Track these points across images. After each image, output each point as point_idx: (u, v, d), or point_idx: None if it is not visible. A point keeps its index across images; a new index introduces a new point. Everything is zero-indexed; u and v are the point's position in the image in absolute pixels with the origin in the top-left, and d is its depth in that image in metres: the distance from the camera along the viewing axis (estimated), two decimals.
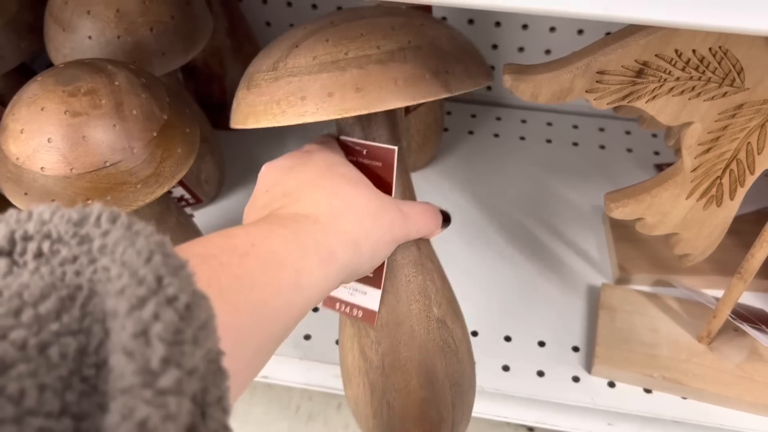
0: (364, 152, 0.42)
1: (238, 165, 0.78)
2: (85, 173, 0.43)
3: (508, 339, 0.61)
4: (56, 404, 0.17)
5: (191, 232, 0.59)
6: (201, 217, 0.72)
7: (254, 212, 0.37)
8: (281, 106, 0.38)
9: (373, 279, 0.42)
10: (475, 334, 0.61)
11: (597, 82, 0.39)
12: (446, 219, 0.45)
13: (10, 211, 0.21)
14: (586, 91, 0.40)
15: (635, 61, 0.38)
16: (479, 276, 0.66)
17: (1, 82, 0.64)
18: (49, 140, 0.42)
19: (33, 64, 0.70)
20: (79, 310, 0.19)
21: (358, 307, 0.43)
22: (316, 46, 0.38)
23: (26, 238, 0.21)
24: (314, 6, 0.79)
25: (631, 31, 0.37)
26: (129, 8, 0.52)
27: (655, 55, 0.37)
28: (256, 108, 0.40)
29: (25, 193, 0.44)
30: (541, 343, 0.60)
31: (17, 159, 0.43)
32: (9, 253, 0.20)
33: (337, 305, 0.44)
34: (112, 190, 0.44)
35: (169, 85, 0.60)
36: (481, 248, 0.68)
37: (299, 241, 0.31)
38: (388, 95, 0.37)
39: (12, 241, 0.21)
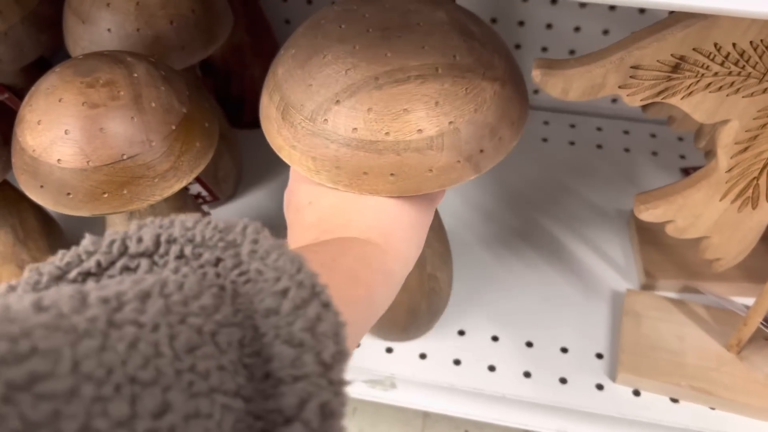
0: None
1: (255, 163, 0.77)
2: (102, 166, 0.42)
3: (529, 345, 0.59)
4: (232, 385, 0.19)
5: None
6: (217, 215, 0.71)
7: (304, 228, 0.38)
8: (317, 165, 0.38)
9: None
10: (495, 339, 0.60)
11: (631, 77, 0.38)
12: None
13: (150, 219, 0.24)
14: (618, 87, 0.38)
15: (671, 55, 0.36)
16: (500, 280, 0.64)
17: (20, 76, 0.64)
18: (66, 132, 0.42)
19: (52, 58, 0.70)
20: (230, 307, 0.21)
21: None
22: (358, 114, 0.36)
23: (170, 240, 0.23)
24: (334, 3, 0.78)
25: (668, 23, 0.36)
26: (149, 1, 0.51)
27: (693, 49, 0.36)
28: (292, 150, 0.38)
29: (41, 186, 0.43)
30: (564, 350, 0.59)
31: (34, 151, 0.43)
32: (151, 255, 0.23)
33: None
34: (129, 184, 0.43)
35: (188, 80, 0.60)
36: (502, 251, 0.67)
37: (367, 261, 0.34)
38: (421, 183, 0.37)
39: (157, 243, 0.23)
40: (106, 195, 0.43)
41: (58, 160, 0.42)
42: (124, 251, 0.23)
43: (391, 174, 0.37)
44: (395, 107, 0.36)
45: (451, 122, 0.36)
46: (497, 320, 0.61)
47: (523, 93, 0.41)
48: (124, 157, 0.42)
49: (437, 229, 0.52)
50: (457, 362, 0.58)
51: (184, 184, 0.46)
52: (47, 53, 0.62)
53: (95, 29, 0.52)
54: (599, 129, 0.80)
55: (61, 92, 0.42)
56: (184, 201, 0.54)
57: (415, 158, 0.36)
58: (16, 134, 0.44)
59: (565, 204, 0.71)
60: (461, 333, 0.60)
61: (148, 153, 0.43)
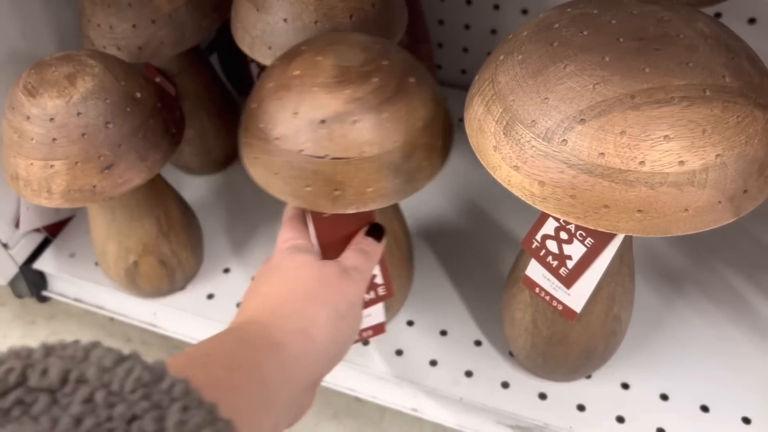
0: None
1: None
2: (348, 159, 0.39)
3: (705, 409, 0.52)
4: None
5: None
6: None
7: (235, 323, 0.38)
8: (544, 191, 0.33)
9: (565, 279, 0.42)
10: (665, 397, 0.53)
11: None
12: (377, 232, 0.44)
13: (61, 343, 0.21)
14: None
15: None
16: (670, 329, 0.57)
17: (174, 61, 0.61)
18: (321, 122, 0.39)
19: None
20: None
21: (560, 302, 0.44)
22: (608, 137, 0.31)
23: (81, 380, 0.20)
24: (496, 6, 0.73)
25: None
26: None
27: None
28: (513, 171, 0.34)
29: (276, 173, 0.41)
30: (746, 420, 0.51)
31: (277, 138, 0.40)
32: (54, 391, 0.19)
33: (537, 290, 0.45)
34: (373, 182, 0.40)
35: None
36: (671, 296, 0.60)
37: (248, 341, 0.33)
38: (672, 224, 0.32)
39: (64, 380, 0.20)
40: (337, 192, 0.40)
41: (301, 150, 0.39)
42: (22, 381, 0.19)
43: (639, 210, 0.31)
44: (655, 132, 0.31)
45: (718, 155, 0.31)
46: (667, 375, 0.54)
47: None
48: (373, 151, 0.39)
49: (629, 264, 0.46)
50: (620, 419, 0.52)
51: (424, 185, 0.42)
52: (205, 40, 0.59)
53: (270, 18, 0.48)
54: None
55: (311, 81, 0.39)
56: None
57: (671, 194, 0.31)
58: (253, 115, 0.41)
59: (742, 249, 0.63)
60: (625, 386, 0.54)
61: (395, 151, 0.40)
